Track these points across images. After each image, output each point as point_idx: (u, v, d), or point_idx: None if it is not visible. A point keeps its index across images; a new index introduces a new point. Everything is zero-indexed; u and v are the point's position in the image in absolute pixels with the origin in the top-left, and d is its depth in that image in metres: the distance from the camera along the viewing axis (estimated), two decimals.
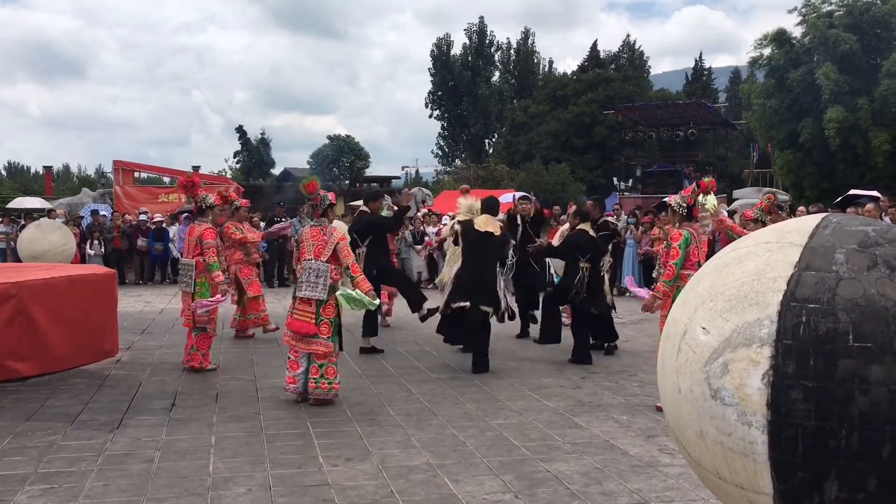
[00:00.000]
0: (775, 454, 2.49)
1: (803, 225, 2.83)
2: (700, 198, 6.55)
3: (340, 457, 4.90)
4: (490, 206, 8.00)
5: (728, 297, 2.73)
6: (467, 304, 7.43)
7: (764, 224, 8.73)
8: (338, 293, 6.19)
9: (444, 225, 15.86)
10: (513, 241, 8.19)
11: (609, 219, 9.80)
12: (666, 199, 6.67)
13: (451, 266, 9.85)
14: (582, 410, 6.20)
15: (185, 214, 17.39)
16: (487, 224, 7.64)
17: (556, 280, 8.56)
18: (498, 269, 7.73)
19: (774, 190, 26.63)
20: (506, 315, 7.90)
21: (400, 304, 10.49)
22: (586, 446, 5.21)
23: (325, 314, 6.19)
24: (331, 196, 6.53)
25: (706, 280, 2.96)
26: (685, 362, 2.80)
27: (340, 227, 6.80)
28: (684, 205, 6.38)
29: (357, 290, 6.21)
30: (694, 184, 6.64)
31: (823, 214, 2.94)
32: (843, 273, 2.54)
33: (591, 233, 8.26)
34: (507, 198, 21.03)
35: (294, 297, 6.30)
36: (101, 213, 18.39)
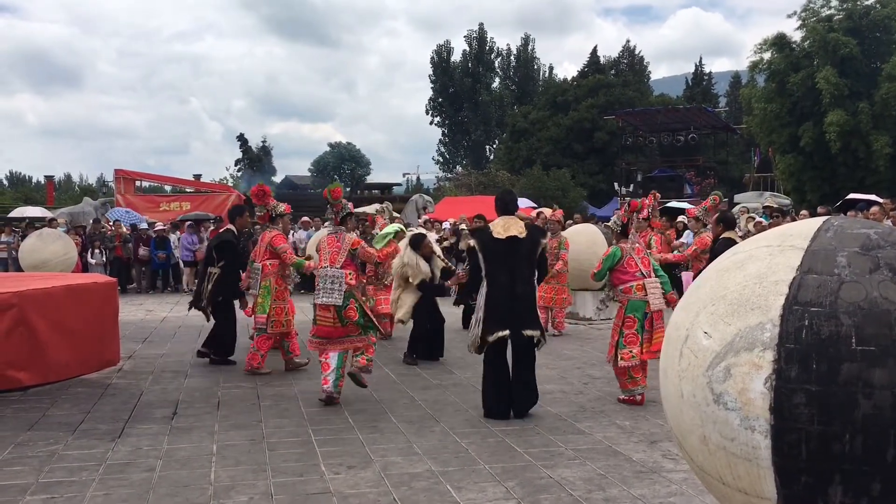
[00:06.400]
0: (779, 459, 2.47)
1: (805, 228, 2.82)
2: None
3: (342, 464, 4.88)
4: (506, 204, 6.26)
5: (730, 301, 2.72)
6: (506, 332, 5.91)
7: (705, 225, 8.84)
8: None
9: (444, 230, 15.84)
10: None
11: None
12: (668, 205, 6.89)
13: (401, 295, 8.64)
14: (584, 416, 6.18)
15: (189, 223, 17.44)
16: (509, 227, 6.04)
17: None
18: (535, 279, 6.16)
19: (776, 195, 26.68)
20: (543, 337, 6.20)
21: None
22: (589, 452, 5.18)
23: (348, 317, 6.35)
24: (350, 206, 6.81)
25: (708, 284, 2.95)
26: (687, 367, 2.78)
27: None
28: (619, 223, 6.89)
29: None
30: (627, 203, 7.24)
31: (825, 217, 2.94)
32: (845, 276, 2.53)
33: (739, 240, 6.67)
34: None
35: (314, 306, 6.50)
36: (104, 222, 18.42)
